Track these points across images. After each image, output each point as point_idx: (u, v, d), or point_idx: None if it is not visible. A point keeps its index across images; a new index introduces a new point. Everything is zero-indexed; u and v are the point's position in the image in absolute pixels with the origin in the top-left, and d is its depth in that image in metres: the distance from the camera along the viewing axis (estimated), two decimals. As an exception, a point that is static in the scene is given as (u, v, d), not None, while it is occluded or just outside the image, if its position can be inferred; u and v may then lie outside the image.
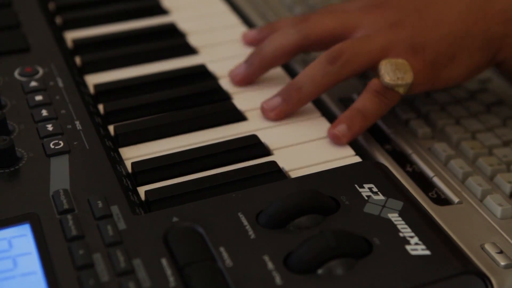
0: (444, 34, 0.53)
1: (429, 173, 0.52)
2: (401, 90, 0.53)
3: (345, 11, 0.58)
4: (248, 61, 0.59)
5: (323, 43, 0.57)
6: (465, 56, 0.53)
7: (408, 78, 0.52)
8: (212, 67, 0.62)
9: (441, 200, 0.49)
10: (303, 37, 0.57)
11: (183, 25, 0.68)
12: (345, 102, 0.59)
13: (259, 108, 0.56)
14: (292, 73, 0.62)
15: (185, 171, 0.50)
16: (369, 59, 0.54)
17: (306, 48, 0.58)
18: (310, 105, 0.57)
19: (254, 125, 0.55)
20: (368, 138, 0.55)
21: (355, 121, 0.52)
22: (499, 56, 0.54)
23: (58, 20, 0.68)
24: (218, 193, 0.47)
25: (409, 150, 0.54)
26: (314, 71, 0.54)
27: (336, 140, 0.52)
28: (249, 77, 0.59)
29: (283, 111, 0.55)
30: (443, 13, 0.54)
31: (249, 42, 0.64)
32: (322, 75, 0.54)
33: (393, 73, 0.52)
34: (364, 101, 0.53)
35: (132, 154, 0.52)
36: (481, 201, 0.49)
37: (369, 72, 0.59)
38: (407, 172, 0.52)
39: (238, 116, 0.56)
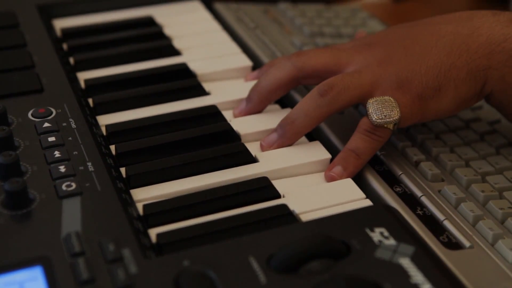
0: (429, 67, 0.55)
1: (440, 216, 0.51)
2: (390, 126, 0.55)
3: (339, 48, 0.61)
4: (248, 97, 0.62)
5: (317, 76, 0.60)
6: (451, 87, 0.55)
7: (395, 115, 0.55)
8: (223, 108, 0.62)
9: (453, 244, 0.49)
10: (298, 69, 0.60)
11: (195, 65, 0.69)
12: (355, 144, 0.59)
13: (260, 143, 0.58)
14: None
15: (196, 213, 0.50)
16: (358, 92, 0.56)
17: (301, 81, 0.61)
18: (321, 147, 0.58)
19: (265, 166, 0.55)
20: (378, 180, 0.55)
21: (349, 161, 0.55)
22: (486, 89, 0.56)
23: (71, 60, 0.69)
24: (229, 236, 0.47)
25: (419, 193, 0.54)
26: (306, 104, 0.57)
27: (331, 180, 0.55)
28: (250, 113, 0.62)
29: (280, 146, 0.58)
30: (428, 48, 0.56)
31: (251, 80, 0.67)
32: (314, 108, 0.56)
33: (380, 111, 0.55)
34: (356, 141, 0.56)
35: (143, 195, 0.52)
36: (492, 245, 0.49)
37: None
38: (418, 215, 0.52)
39: (249, 158, 0.56)
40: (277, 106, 0.64)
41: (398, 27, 0.61)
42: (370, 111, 0.55)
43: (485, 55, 0.55)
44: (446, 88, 0.55)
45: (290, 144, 0.58)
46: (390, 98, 0.55)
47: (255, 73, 0.67)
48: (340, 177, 0.54)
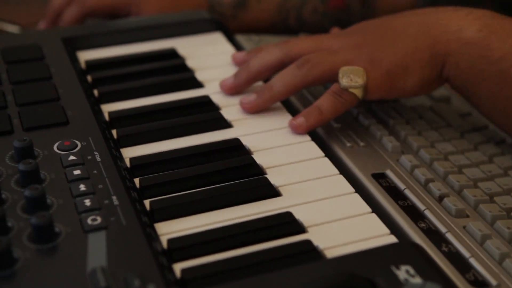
0: (398, 48, 0.63)
1: (466, 253, 0.51)
2: (356, 92, 0.62)
3: (321, 36, 0.69)
4: (237, 74, 0.69)
5: None
6: (417, 68, 0.63)
7: (361, 80, 0.62)
8: (246, 141, 0.63)
9: (479, 283, 0.49)
10: (285, 54, 0.67)
11: (218, 98, 0.69)
12: (378, 178, 0.59)
13: (293, 182, 0.58)
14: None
15: (220, 248, 0.50)
16: (332, 67, 0.64)
17: (288, 64, 0.67)
18: (344, 181, 0.58)
19: (289, 201, 0.55)
20: (402, 215, 0.55)
21: (312, 115, 0.63)
22: (444, 73, 0.63)
23: (95, 92, 0.70)
24: (254, 272, 0.47)
25: (444, 229, 0.54)
26: (284, 74, 0.65)
27: (294, 129, 0.63)
28: (236, 87, 0.69)
29: (256, 105, 0.66)
30: (397, 34, 0.64)
31: (237, 62, 0.74)
32: (291, 77, 0.64)
33: (348, 76, 0.62)
34: (323, 100, 0.63)
35: (167, 229, 0.52)
36: (519, 284, 0.48)
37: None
38: (443, 252, 0.51)
39: (272, 192, 0.56)
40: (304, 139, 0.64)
41: (373, 20, 0.69)
42: (340, 75, 0.62)
43: (443, 43, 0.62)
44: (413, 68, 0.63)
45: (265, 107, 0.66)
46: (360, 68, 0.63)
47: (242, 54, 0.74)
48: (301, 126, 0.62)
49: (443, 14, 0.64)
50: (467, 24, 0.62)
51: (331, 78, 0.64)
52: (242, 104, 0.66)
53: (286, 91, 0.65)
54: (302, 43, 0.68)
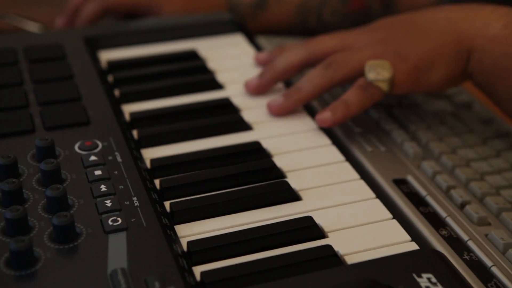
0: (424, 43, 0.63)
1: (488, 262, 0.51)
2: (383, 86, 0.62)
3: (345, 33, 0.69)
4: (261, 74, 0.69)
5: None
6: (443, 62, 0.63)
7: (388, 74, 0.62)
8: (266, 144, 0.62)
9: (501, 292, 0.48)
10: (310, 53, 0.67)
11: (238, 100, 0.69)
12: (399, 184, 0.59)
13: (314, 186, 0.57)
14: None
15: (240, 252, 0.50)
16: (358, 65, 0.63)
17: (313, 63, 0.67)
18: (365, 186, 0.57)
19: (309, 205, 0.55)
20: (423, 222, 0.55)
21: (339, 109, 0.62)
22: (468, 68, 0.63)
23: (116, 93, 0.70)
24: (273, 277, 0.47)
25: (466, 237, 0.53)
26: (312, 75, 0.65)
27: (320, 123, 0.63)
28: (261, 87, 0.69)
29: (284, 107, 0.65)
30: (424, 29, 0.64)
31: (260, 62, 0.74)
32: (318, 78, 0.64)
33: (375, 70, 0.62)
34: (349, 94, 0.63)
35: (187, 232, 0.52)
36: (542, 294, 0.48)
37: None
38: (465, 260, 0.51)
39: (293, 196, 0.56)
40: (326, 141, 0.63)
41: (397, 16, 0.68)
42: (366, 69, 0.62)
43: (469, 38, 0.62)
44: (439, 63, 0.62)
45: (292, 109, 0.65)
46: (387, 62, 0.62)
47: (265, 54, 0.74)
48: (328, 120, 0.62)
49: (469, 10, 0.64)
50: (493, 21, 0.62)
51: (359, 76, 0.64)
52: (270, 107, 0.66)
53: (314, 92, 0.65)
54: (326, 41, 0.68)
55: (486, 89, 0.63)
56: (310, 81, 0.64)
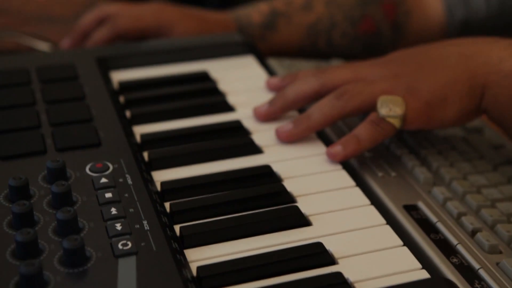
0: (437, 79, 0.63)
1: (499, 292, 0.50)
2: (394, 122, 0.62)
3: (358, 65, 0.68)
4: (272, 101, 0.69)
5: None
6: (456, 99, 0.62)
7: (400, 110, 0.61)
8: (276, 168, 0.62)
9: (513, 323, 0.48)
10: (322, 85, 0.67)
11: (249, 123, 0.69)
12: (410, 210, 0.59)
13: (324, 212, 0.57)
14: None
15: (249, 278, 0.50)
16: (370, 98, 0.63)
17: (324, 95, 0.66)
18: (375, 212, 0.57)
19: (319, 231, 0.55)
20: (434, 249, 0.54)
21: (349, 144, 0.62)
22: (483, 104, 0.63)
23: (127, 114, 0.70)
24: (283, 304, 0.46)
25: (477, 265, 0.53)
26: (322, 104, 0.65)
27: (331, 157, 0.62)
28: (271, 114, 0.69)
29: (293, 134, 0.65)
30: (436, 65, 0.64)
31: (272, 87, 0.74)
32: (329, 107, 0.64)
33: (387, 105, 0.62)
34: (361, 129, 0.62)
35: (197, 256, 0.52)
36: (554, 325, 0.47)
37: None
38: (476, 290, 0.51)
39: (302, 221, 0.56)
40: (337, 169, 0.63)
41: (409, 49, 0.68)
42: (379, 105, 0.62)
43: (483, 74, 0.62)
44: (452, 99, 0.62)
45: (301, 136, 0.65)
46: (399, 98, 0.62)
47: (277, 80, 0.73)
48: (338, 155, 0.62)
49: (482, 45, 0.64)
50: (508, 56, 0.61)
51: (369, 109, 0.64)
52: (278, 133, 0.66)
53: (324, 121, 0.64)
54: (339, 73, 0.67)
55: (502, 124, 0.63)
56: (320, 110, 0.64)
